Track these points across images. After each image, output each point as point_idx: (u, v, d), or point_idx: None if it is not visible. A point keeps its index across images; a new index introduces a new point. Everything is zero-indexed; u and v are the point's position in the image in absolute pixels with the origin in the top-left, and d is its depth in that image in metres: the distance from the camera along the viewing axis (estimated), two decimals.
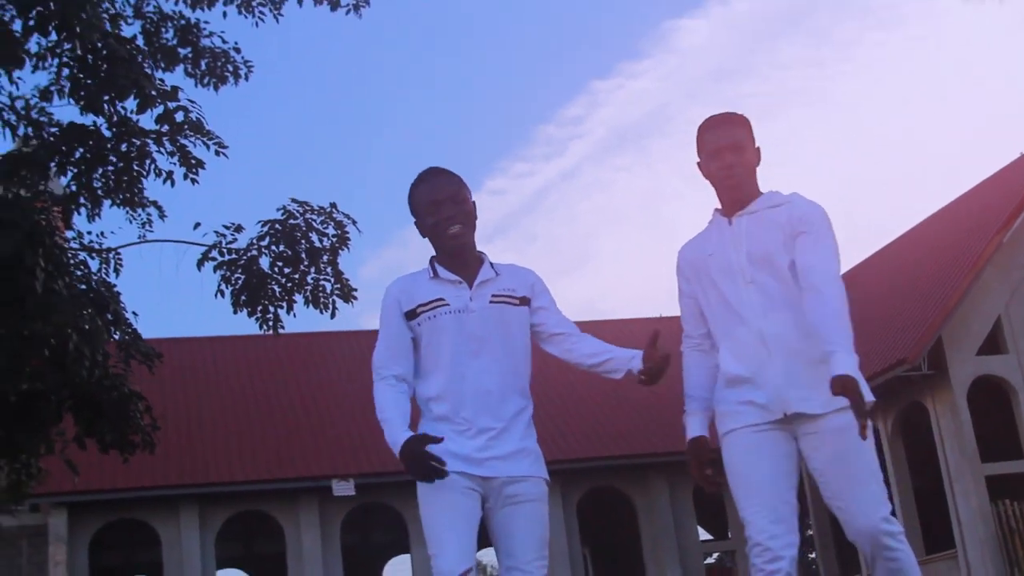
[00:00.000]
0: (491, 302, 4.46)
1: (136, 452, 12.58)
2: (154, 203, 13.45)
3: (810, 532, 27.06)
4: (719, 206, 4.61)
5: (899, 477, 22.77)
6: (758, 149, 4.58)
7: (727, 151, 4.49)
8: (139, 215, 13.34)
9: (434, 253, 4.56)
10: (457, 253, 4.49)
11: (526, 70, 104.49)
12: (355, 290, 12.99)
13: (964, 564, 21.41)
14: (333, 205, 12.85)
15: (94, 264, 13.09)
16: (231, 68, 13.79)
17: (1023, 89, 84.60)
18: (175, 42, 13.50)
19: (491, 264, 4.56)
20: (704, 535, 29.82)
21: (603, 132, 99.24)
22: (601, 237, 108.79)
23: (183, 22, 13.62)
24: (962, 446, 21.49)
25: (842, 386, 4.04)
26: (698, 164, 4.61)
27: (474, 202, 4.59)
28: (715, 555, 31.22)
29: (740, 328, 4.41)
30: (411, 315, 4.45)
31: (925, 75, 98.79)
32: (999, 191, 24.80)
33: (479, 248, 4.61)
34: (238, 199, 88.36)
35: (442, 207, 4.47)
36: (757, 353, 4.36)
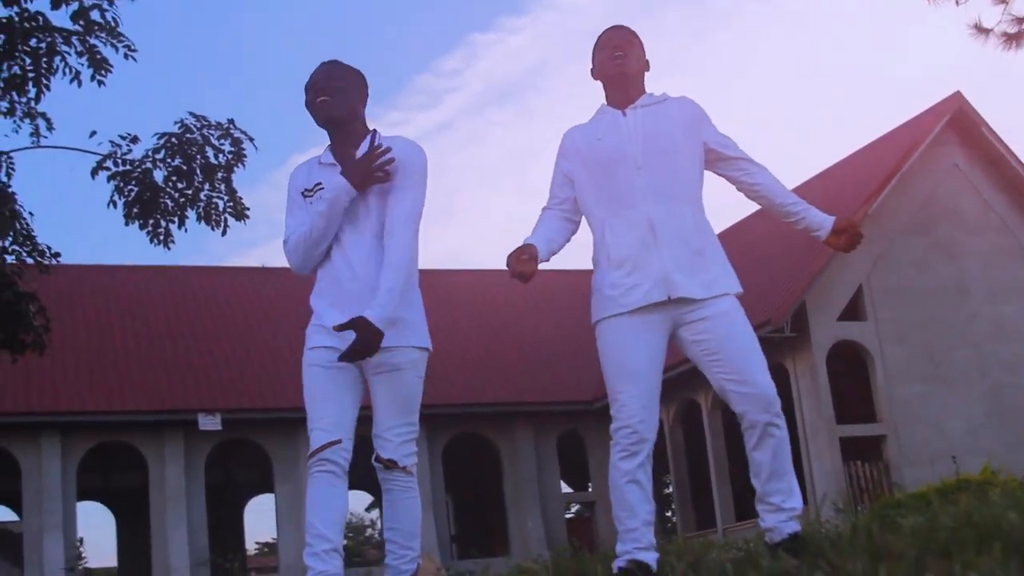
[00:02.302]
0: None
1: (26, 353, 12.43)
2: (42, 115, 13.25)
3: (668, 490, 27.73)
4: (605, 102, 4.81)
5: None
6: (648, 61, 4.85)
7: (620, 43, 4.77)
8: (24, 125, 13.13)
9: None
10: (329, 127, 4.66)
11: (404, 18, 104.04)
12: (247, 209, 12.97)
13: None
14: (231, 121, 12.79)
15: None
16: None
17: (896, 67, 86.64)
18: None
19: (373, 139, 4.64)
20: (566, 489, 30.33)
21: (480, 86, 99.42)
22: (470, 191, 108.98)
23: None
24: (819, 408, 22.25)
25: (848, 221, 4.63)
26: (591, 71, 4.86)
27: (364, 87, 4.74)
28: (575, 507, 31.73)
29: (627, 211, 4.55)
30: (305, 195, 4.65)
31: (802, 46, 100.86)
32: (868, 164, 25.60)
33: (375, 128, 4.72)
34: (136, 110, 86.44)
35: (315, 86, 4.65)
36: (643, 237, 4.51)
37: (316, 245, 4.57)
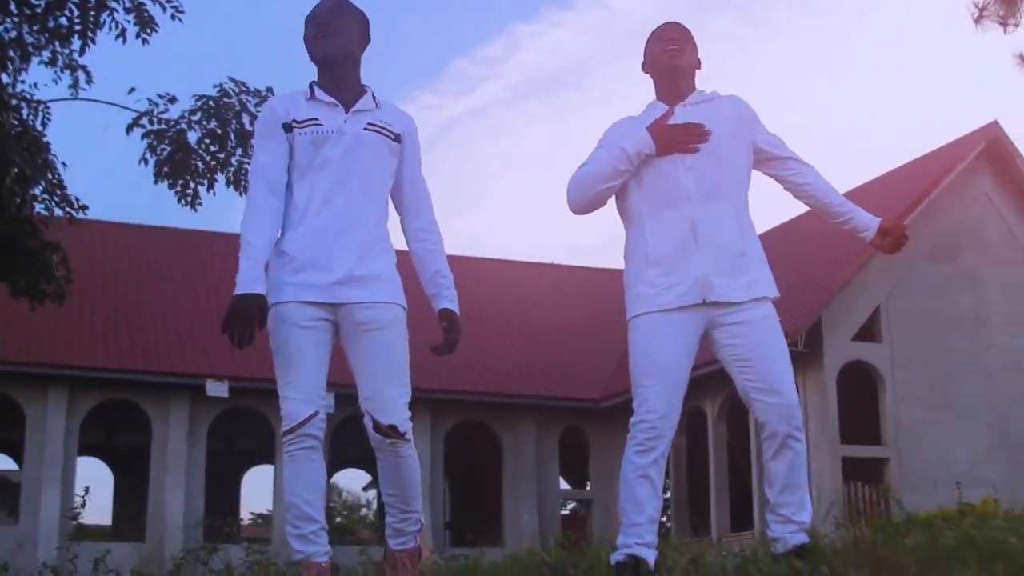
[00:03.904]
0: (366, 129, 4.41)
1: (45, 303, 12.50)
2: (83, 67, 13.31)
3: (667, 495, 27.75)
4: (655, 97, 4.79)
5: (759, 449, 23.47)
6: (699, 60, 4.82)
7: (677, 36, 4.74)
8: (64, 76, 13.21)
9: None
10: (324, 66, 4.46)
11: (448, 2, 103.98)
12: None
13: None
14: (269, 89, 12.84)
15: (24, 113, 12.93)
16: None
17: (936, 90, 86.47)
18: None
19: (374, 97, 4.51)
20: (564, 485, 30.35)
21: (518, 76, 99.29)
22: (499, 180, 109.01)
23: None
24: (825, 425, 22.24)
25: (893, 222, 4.68)
26: (642, 65, 4.83)
27: (367, 29, 4.58)
28: (571, 504, 31.76)
29: (670, 211, 4.52)
30: (287, 128, 4.36)
31: (844, 62, 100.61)
32: (898, 186, 25.57)
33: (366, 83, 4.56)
34: (177, 70, 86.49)
35: (316, 20, 4.47)
36: (684, 239, 4.48)
37: (594, 186, 4.61)
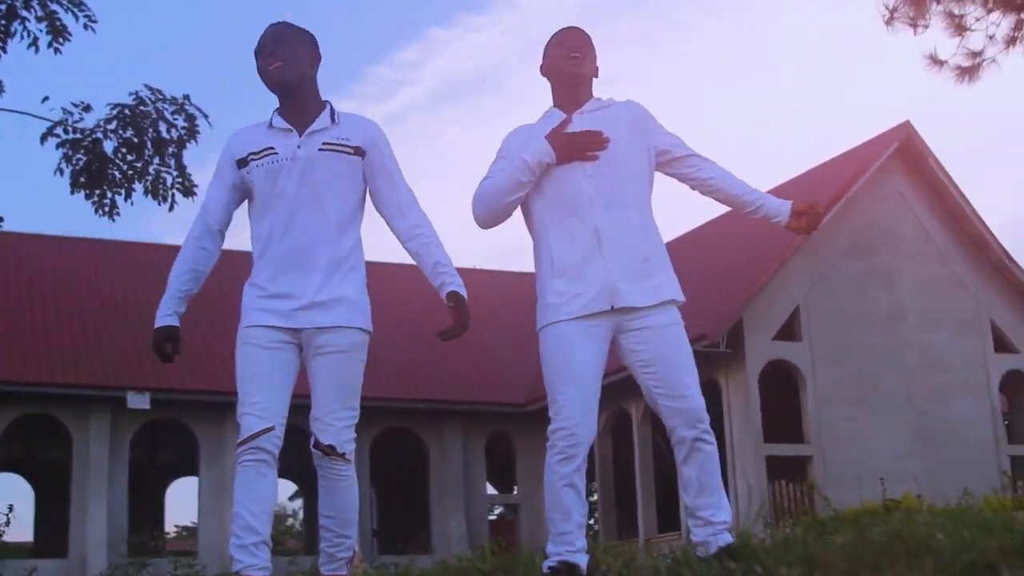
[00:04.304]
0: (320, 150, 4.44)
1: None
2: None
3: (593, 497, 27.84)
4: (553, 103, 4.79)
5: None
6: (598, 68, 4.82)
7: (578, 44, 4.73)
8: None
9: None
10: (281, 92, 4.51)
11: (364, 6, 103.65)
12: (196, 186, 12.92)
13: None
14: (186, 97, 12.71)
15: None
16: None
17: (849, 90, 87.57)
18: None
19: (332, 113, 4.55)
20: (491, 490, 30.36)
21: (436, 81, 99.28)
22: (418, 186, 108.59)
23: None
24: (748, 425, 22.46)
25: (807, 203, 4.68)
26: (540, 67, 4.83)
27: (316, 49, 4.62)
28: (498, 509, 31.78)
29: (572, 219, 4.53)
30: (242, 163, 4.49)
31: (757, 64, 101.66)
32: (814, 186, 25.86)
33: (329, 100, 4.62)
34: (91, 79, 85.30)
35: (264, 51, 4.51)
36: (588, 246, 4.49)
37: (498, 200, 4.61)
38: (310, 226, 4.42)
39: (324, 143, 4.47)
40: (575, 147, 4.53)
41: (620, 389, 19.95)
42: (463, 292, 4.47)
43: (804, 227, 4.74)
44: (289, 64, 4.49)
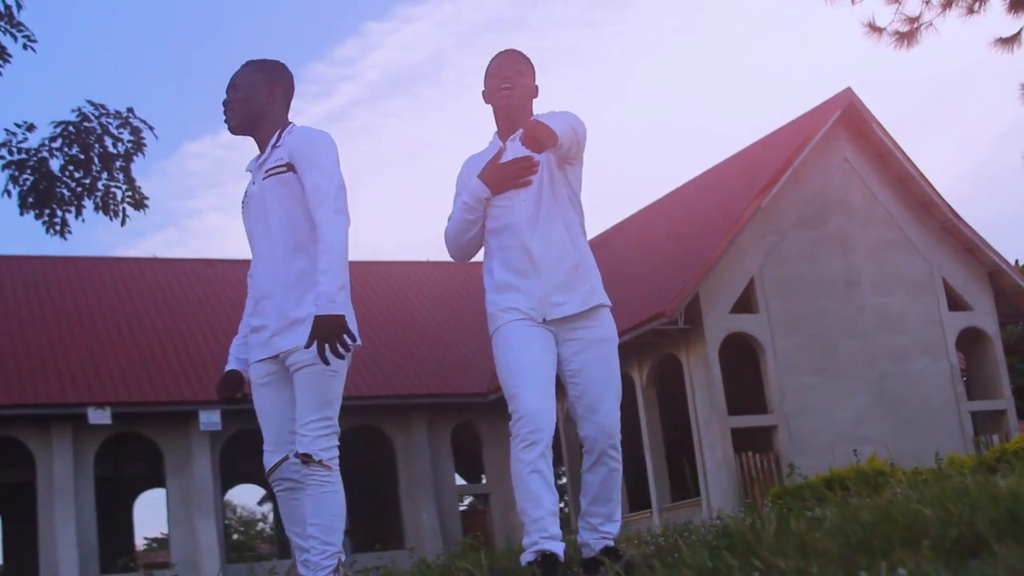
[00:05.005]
0: (264, 179, 4.68)
1: None
2: None
3: (562, 480, 27.89)
4: (496, 131, 5.01)
5: (651, 427, 23.77)
6: (536, 87, 5.00)
7: (509, 75, 4.90)
8: None
9: None
10: (237, 133, 4.80)
11: (300, 4, 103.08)
12: (147, 198, 12.79)
13: (707, 511, 22.49)
14: (130, 110, 12.58)
15: None
16: None
17: (789, 61, 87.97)
18: None
19: (279, 136, 4.75)
20: (460, 481, 30.37)
21: (375, 75, 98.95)
22: (365, 183, 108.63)
23: None
24: (712, 399, 22.56)
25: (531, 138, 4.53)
26: (482, 93, 5.00)
27: (273, 82, 4.79)
28: (468, 500, 31.79)
29: (510, 239, 4.78)
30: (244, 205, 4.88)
31: (696, 40, 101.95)
32: (761, 158, 26.02)
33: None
34: (33, 98, 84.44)
35: (224, 102, 4.80)
36: (523, 265, 4.75)
37: (460, 239, 4.90)
38: (265, 256, 4.67)
39: (267, 171, 4.68)
40: (508, 178, 4.75)
41: (621, 354, 20.30)
42: (324, 310, 4.36)
43: (531, 144, 4.59)
44: (234, 111, 4.77)
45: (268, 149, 4.70)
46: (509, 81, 4.86)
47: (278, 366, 4.61)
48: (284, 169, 4.61)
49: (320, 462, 4.43)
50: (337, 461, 4.50)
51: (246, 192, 4.79)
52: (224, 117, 4.75)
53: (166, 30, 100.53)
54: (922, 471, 16.15)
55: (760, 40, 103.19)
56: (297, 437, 4.46)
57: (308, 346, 4.35)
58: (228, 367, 4.79)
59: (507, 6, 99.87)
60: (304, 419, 4.47)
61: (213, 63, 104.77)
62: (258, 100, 4.73)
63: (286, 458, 4.58)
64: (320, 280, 4.38)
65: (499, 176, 4.74)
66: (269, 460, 4.63)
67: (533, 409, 4.54)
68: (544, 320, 4.71)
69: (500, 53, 4.97)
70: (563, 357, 4.76)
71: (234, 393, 4.78)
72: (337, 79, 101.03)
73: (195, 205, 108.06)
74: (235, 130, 4.76)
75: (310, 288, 4.50)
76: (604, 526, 4.74)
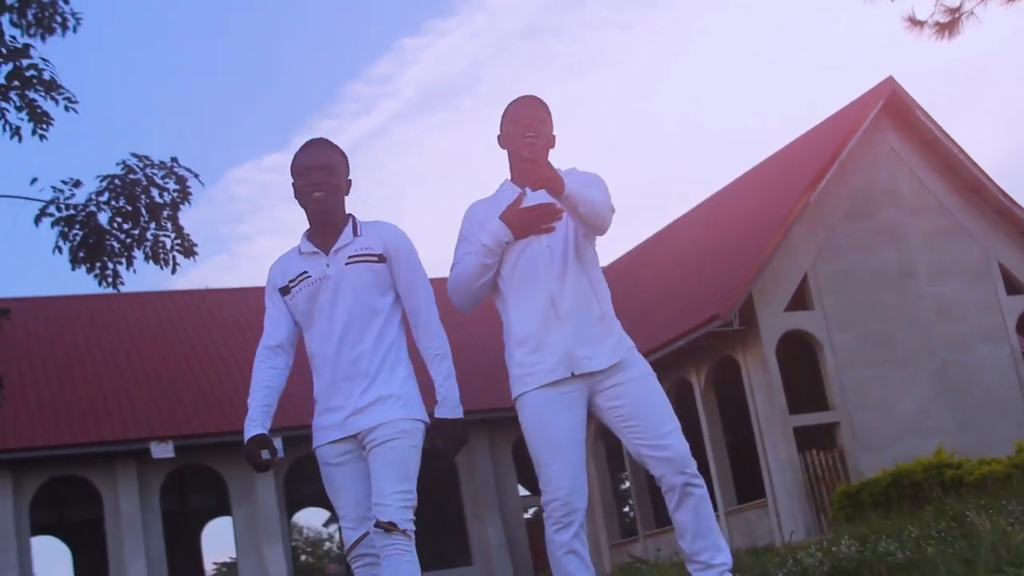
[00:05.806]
0: (347, 264, 4.72)
1: None
2: None
3: (625, 485, 27.83)
4: (510, 177, 4.88)
5: (712, 430, 23.65)
6: (554, 136, 4.88)
7: (533, 123, 4.78)
8: None
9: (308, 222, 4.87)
10: (317, 219, 4.79)
11: (334, 25, 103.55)
12: (196, 245, 12.90)
13: (774, 512, 22.35)
14: (174, 159, 12.71)
15: None
16: (59, 19, 13.45)
17: (830, 56, 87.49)
18: None
19: (354, 226, 4.82)
20: (523, 492, 30.33)
21: (412, 91, 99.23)
22: (409, 197, 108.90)
23: None
24: (771, 399, 22.39)
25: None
26: (498, 139, 4.90)
27: (350, 180, 4.89)
28: (532, 510, 31.75)
29: (529, 288, 4.66)
30: (284, 291, 4.83)
31: (733, 36, 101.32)
32: (806, 152, 25.81)
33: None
34: (77, 154, 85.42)
35: (311, 173, 4.75)
36: (545, 314, 4.62)
37: (470, 286, 4.77)
38: (346, 339, 4.73)
39: (350, 256, 4.74)
40: (531, 222, 4.59)
41: (678, 359, 19.93)
42: (451, 414, 4.70)
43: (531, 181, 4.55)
44: (330, 196, 4.78)
45: (345, 236, 4.75)
46: (533, 130, 4.75)
47: (355, 445, 4.67)
48: (376, 259, 4.73)
49: (404, 532, 4.48)
50: (413, 533, 4.55)
51: (306, 272, 4.76)
52: (315, 195, 4.73)
53: (201, 58, 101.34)
54: (988, 461, 16.06)
55: (786, 38, 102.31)
56: (378, 508, 4.50)
57: (441, 447, 4.61)
58: (255, 432, 4.73)
59: (539, 13, 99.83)
60: (387, 491, 4.52)
61: (249, 88, 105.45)
62: (343, 191, 4.83)
63: (366, 534, 4.62)
64: (445, 385, 4.70)
65: (522, 220, 4.59)
66: (350, 536, 4.66)
67: (565, 491, 4.51)
68: (572, 374, 4.57)
69: (522, 99, 4.85)
70: (604, 406, 4.61)
71: (272, 458, 4.77)
72: (375, 96, 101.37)
73: (244, 230, 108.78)
74: (325, 214, 4.76)
75: (395, 364, 4.72)
76: (716, 558, 4.51)
